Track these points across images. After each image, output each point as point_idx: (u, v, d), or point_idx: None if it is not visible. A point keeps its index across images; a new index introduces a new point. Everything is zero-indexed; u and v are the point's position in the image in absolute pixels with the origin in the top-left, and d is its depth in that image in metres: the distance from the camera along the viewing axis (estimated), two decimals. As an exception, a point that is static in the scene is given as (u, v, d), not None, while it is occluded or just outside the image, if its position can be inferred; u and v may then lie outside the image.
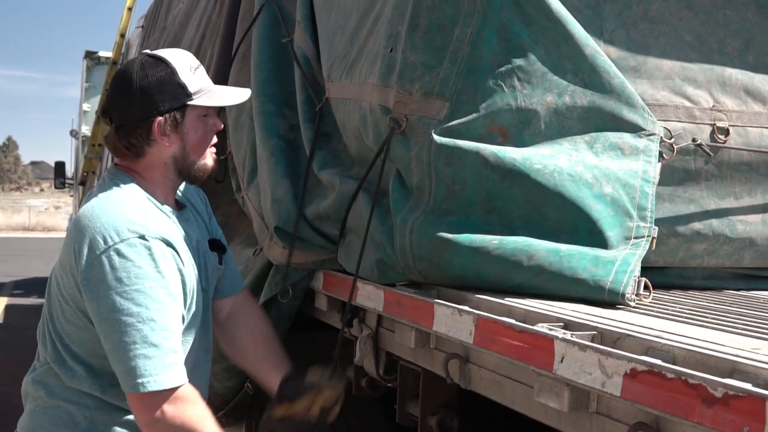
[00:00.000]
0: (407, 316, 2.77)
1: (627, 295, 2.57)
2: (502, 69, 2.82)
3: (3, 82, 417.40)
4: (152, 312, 2.60)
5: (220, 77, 5.18)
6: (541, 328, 2.13)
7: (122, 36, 12.74)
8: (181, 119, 2.79)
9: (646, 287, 2.63)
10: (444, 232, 2.74)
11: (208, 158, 2.89)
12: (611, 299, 2.57)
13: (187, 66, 2.82)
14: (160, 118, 2.75)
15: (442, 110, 2.84)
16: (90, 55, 17.60)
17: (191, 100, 2.80)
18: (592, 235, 2.70)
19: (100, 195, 2.77)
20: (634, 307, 2.54)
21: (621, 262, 2.64)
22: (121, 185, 2.80)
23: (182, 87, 2.79)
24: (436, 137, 2.81)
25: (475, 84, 2.82)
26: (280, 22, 4.39)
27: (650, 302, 2.68)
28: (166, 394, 2.62)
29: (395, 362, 3.25)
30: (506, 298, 2.54)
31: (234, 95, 2.99)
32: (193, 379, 2.72)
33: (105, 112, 2.84)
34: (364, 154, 3.29)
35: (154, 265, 2.63)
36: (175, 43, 6.89)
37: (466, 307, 2.47)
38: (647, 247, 2.75)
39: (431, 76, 2.87)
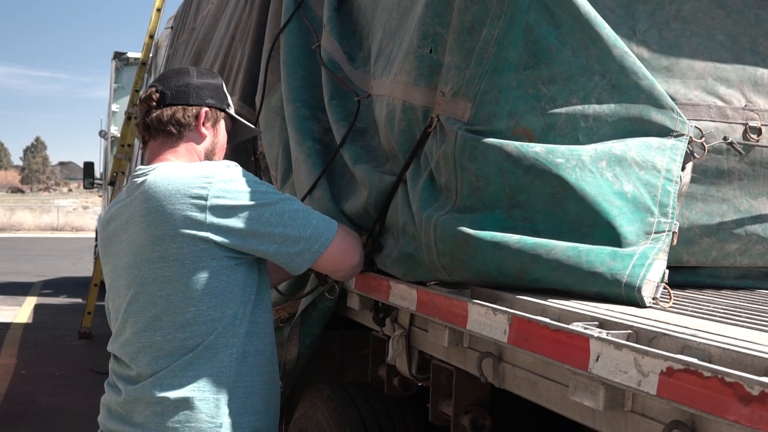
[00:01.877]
0: (441, 316, 2.78)
1: (643, 290, 2.55)
2: (528, 71, 2.82)
3: (30, 83, 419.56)
4: (278, 193, 3.05)
5: (251, 78, 5.21)
6: (577, 326, 2.14)
7: (151, 37, 12.81)
8: (218, 119, 3.32)
9: (666, 292, 2.61)
10: (467, 228, 2.75)
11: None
12: (628, 293, 2.56)
13: (226, 87, 3.37)
14: (207, 109, 3.26)
15: (466, 111, 2.85)
16: (119, 56, 17.68)
17: (230, 108, 3.37)
18: (612, 229, 2.68)
19: (160, 173, 3.02)
20: (670, 307, 2.53)
21: (639, 255, 2.63)
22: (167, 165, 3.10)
23: (225, 96, 3.37)
24: (460, 133, 2.82)
25: (499, 85, 2.82)
26: (309, 29, 4.42)
27: (684, 301, 2.68)
28: (341, 230, 3.15)
29: (428, 361, 3.26)
30: (539, 298, 2.55)
31: (251, 126, 3.61)
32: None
33: (155, 92, 3.24)
34: (391, 150, 3.31)
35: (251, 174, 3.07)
36: (204, 44, 6.92)
37: (500, 306, 2.47)
38: (668, 241, 2.74)
39: (460, 77, 2.89)
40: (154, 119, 3.19)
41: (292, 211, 3.02)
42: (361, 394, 3.81)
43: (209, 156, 3.28)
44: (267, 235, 2.96)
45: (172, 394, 2.92)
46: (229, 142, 3.43)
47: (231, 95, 5.50)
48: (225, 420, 2.95)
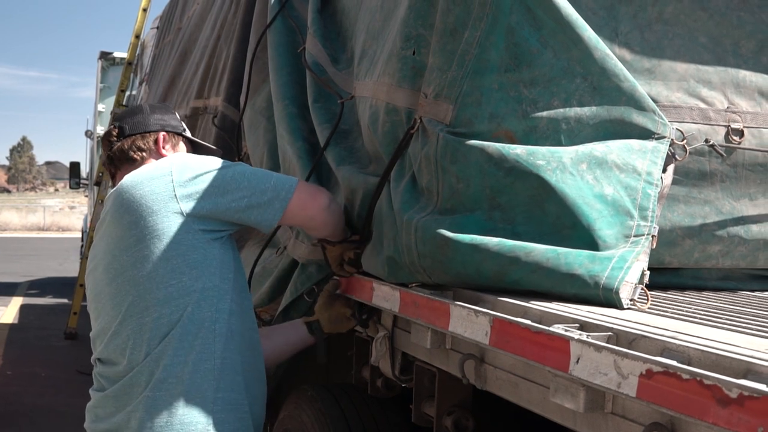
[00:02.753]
0: (423, 317, 2.79)
1: (621, 292, 2.57)
2: (509, 73, 2.82)
3: (18, 83, 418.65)
4: (245, 165, 3.24)
5: (236, 78, 5.21)
6: (557, 329, 2.14)
7: (137, 37, 12.77)
8: (177, 143, 3.57)
9: (643, 294, 2.62)
10: (446, 230, 2.76)
11: None
12: (605, 295, 2.57)
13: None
14: (164, 133, 3.52)
15: (448, 113, 2.86)
16: (105, 56, 17.63)
17: (184, 132, 3.63)
18: (591, 232, 2.69)
19: (127, 177, 3.15)
20: (650, 309, 2.54)
21: (618, 258, 2.65)
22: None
23: (180, 122, 3.65)
24: (442, 135, 2.83)
25: (481, 87, 2.83)
26: (294, 28, 4.42)
27: (666, 303, 2.69)
28: (303, 182, 3.33)
29: (411, 362, 3.26)
30: (521, 300, 2.55)
31: (208, 146, 3.81)
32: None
33: (114, 128, 3.50)
34: (374, 151, 3.32)
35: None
36: (190, 44, 6.91)
37: (482, 308, 2.48)
38: (647, 244, 2.75)
39: (442, 79, 2.89)
40: (117, 151, 3.46)
41: (251, 170, 3.20)
42: (345, 395, 3.81)
43: None
44: (235, 190, 3.08)
45: (165, 374, 2.96)
46: None
47: (216, 96, 5.52)
48: (216, 395, 3.01)
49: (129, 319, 3.01)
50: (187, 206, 3.01)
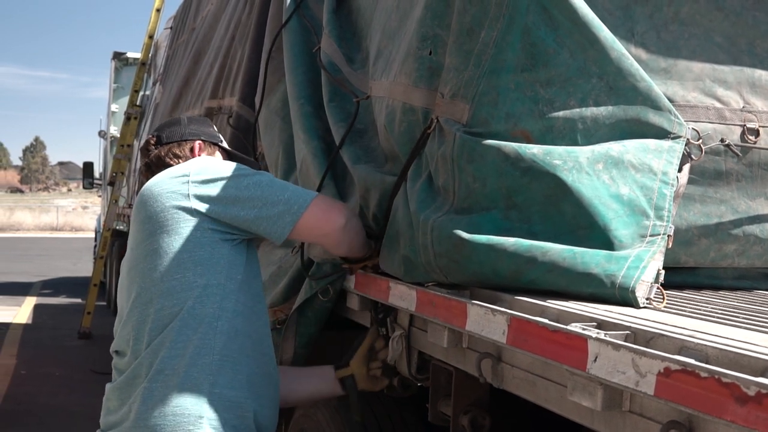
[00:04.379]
0: (440, 316, 2.79)
1: (637, 291, 2.57)
2: (526, 73, 2.82)
3: (29, 83, 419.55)
4: (266, 174, 3.27)
5: (250, 79, 5.23)
6: (575, 327, 2.15)
7: (151, 37, 12.82)
8: (213, 153, 3.63)
9: (659, 293, 2.63)
10: (463, 229, 2.77)
11: None
12: (622, 294, 2.57)
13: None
14: (200, 141, 3.59)
15: (465, 113, 2.86)
16: (118, 56, 17.69)
17: (221, 143, 3.71)
18: (607, 232, 2.70)
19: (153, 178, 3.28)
20: (667, 308, 2.55)
21: (634, 258, 2.65)
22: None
23: (217, 133, 3.74)
24: (459, 134, 2.84)
25: (497, 87, 2.83)
26: (309, 28, 4.43)
27: (682, 302, 2.70)
28: (320, 197, 3.27)
29: (427, 361, 3.27)
30: (538, 299, 2.56)
31: (245, 158, 3.81)
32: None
33: (152, 136, 3.60)
34: (390, 150, 3.33)
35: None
36: (204, 44, 6.93)
37: (499, 307, 2.48)
38: (663, 244, 2.76)
39: (458, 79, 2.90)
40: (154, 158, 3.53)
41: (269, 180, 3.22)
42: (361, 394, 3.82)
43: None
44: (246, 199, 3.12)
45: (162, 365, 3.00)
46: None
47: (230, 96, 5.54)
48: (212, 390, 3.02)
49: (134, 309, 3.09)
50: (199, 205, 3.09)
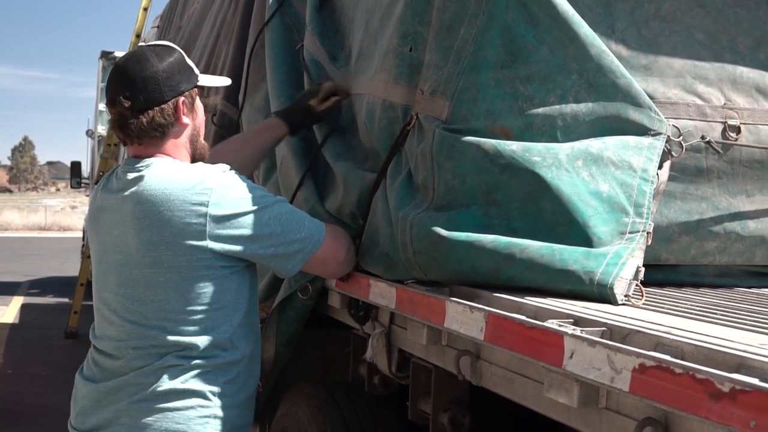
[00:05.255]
0: (419, 314, 2.79)
1: (615, 288, 2.56)
2: (505, 69, 2.82)
3: (19, 83, 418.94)
4: (271, 197, 3.03)
5: (235, 76, 5.21)
6: (551, 324, 2.15)
7: (138, 36, 12.77)
8: (194, 98, 3.14)
9: (638, 290, 2.62)
10: (442, 227, 2.76)
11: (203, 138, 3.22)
12: (600, 291, 2.57)
13: (185, 52, 3.16)
14: (182, 98, 3.05)
15: (444, 109, 2.86)
16: (106, 56, 17.64)
17: (199, 80, 3.15)
18: (586, 229, 2.70)
19: (156, 171, 2.97)
20: (645, 305, 2.54)
21: (613, 255, 2.64)
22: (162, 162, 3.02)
23: (191, 69, 3.15)
24: (438, 131, 2.83)
25: (477, 84, 2.83)
26: (291, 26, 4.42)
27: (661, 299, 2.69)
28: (329, 229, 3.14)
29: (407, 359, 3.26)
30: (516, 296, 2.55)
31: (220, 80, 3.55)
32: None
33: (124, 99, 2.98)
34: (371, 148, 3.33)
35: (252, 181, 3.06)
36: (190, 43, 6.91)
37: (477, 304, 2.48)
38: (642, 241, 2.75)
39: (438, 75, 2.90)
40: (134, 128, 3.02)
41: (288, 213, 3.04)
42: (342, 393, 3.81)
43: (194, 139, 3.14)
44: (266, 237, 2.96)
45: (162, 384, 2.90)
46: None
47: (215, 94, 5.52)
48: (214, 412, 2.95)
49: (134, 333, 2.95)
50: (217, 245, 2.89)
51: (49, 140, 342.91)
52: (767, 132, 3.15)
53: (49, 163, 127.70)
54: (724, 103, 3.11)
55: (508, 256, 2.66)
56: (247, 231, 2.92)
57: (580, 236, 2.69)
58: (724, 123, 3.09)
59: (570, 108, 2.81)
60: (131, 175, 2.99)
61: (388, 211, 3.01)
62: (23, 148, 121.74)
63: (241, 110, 4.86)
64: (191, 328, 2.92)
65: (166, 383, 2.90)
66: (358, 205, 3.32)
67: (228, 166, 3.03)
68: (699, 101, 3.07)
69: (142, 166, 2.99)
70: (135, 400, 2.91)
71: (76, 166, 20.05)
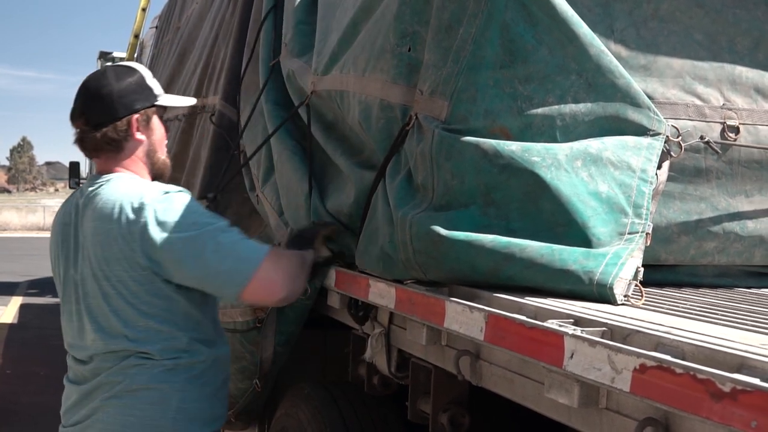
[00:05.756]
0: (419, 314, 2.78)
1: (615, 288, 2.56)
2: (504, 69, 2.82)
3: (17, 83, 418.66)
4: (210, 224, 3.14)
5: (233, 77, 5.22)
6: (551, 324, 2.14)
7: (136, 36, 12.79)
8: (150, 116, 3.33)
9: (638, 290, 2.62)
10: (441, 226, 2.76)
11: (166, 155, 3.44)
12: (599, 291, 2.57)
13: (149, 74, 3.37)
14: (137, 115, 3.27)
15: (443, 110, 2.86)
16: (104, 56, 17.62)
17: (157, 100, 3.35)
18: (585, 230, 2.69)
19: (111, 189, 3.18)
20: (646, 305, 2.54)
21: (612, 255, 2.64)
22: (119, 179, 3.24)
23: (150, 89, 3.35)
24: (437, 131, 2.83)
25: (476, 84, 2.82)
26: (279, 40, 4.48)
27: (661, 299, 2.69)
28: (268, 262, 3.18)
29: (407, 359, 3.26)
30: (516, 296, 2.55)
31: (183, 99, 3.81)
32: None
33: (81, 115, 3.27)
34: (366, 145, 3.32)
35: (189, 199, 3.18)
36: (189, 44, 6.92)
37: (477, 304, 2.48)
38: (641, 241, 2.75)
39: (437, 75, 2.89)
40: (89, 144, 3.29)
41: (215, 245, 3.12)
42: (342, 393, 3.81)
43: (151, 155, 3.36)
44: (191, 264, 3.11)
45: (128, 382, 3.13)
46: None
47: (214, 95, 5.53)
48: (180, 405, 3.16)
49: (99, 341, 3.17)
50: (150, 265, 3.08)
51: (47, 140, 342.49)
52: (766, 132, 3.16)
53: (48, 164, 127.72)
54: (723, 104, 3.11)
55: (508, 255, 2.66)
56: (173, 258, 3.09)
57: (579, 237, 2.69)
58: (723, 123, 3.09)
59: (569, 108, 2.81)
60: (91, 191, 3.22)
61: (388, 211, 3.01)
62: (22, 149, 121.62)
63: (240, 110, 4.86)
64: (147, 336, 3.13)
65: (131, 381, 3.12)
66: (356, 204, 3.32)
67: (175, 188, 3.19)
68: (698, 101, 3.07)
69: (101, 182, 3.22)
70: (106, 397, 3.15)
71: (74, 167, 19.97)
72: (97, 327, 3.16)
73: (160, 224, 3.06)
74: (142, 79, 3.33)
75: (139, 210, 3.07)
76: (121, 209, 3.09)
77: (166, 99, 3.41)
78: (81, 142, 3.31)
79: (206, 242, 3.10)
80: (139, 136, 3.28)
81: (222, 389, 3.37)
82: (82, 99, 3.29)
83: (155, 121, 3.37)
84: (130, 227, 3.06)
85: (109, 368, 3.15)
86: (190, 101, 3.90)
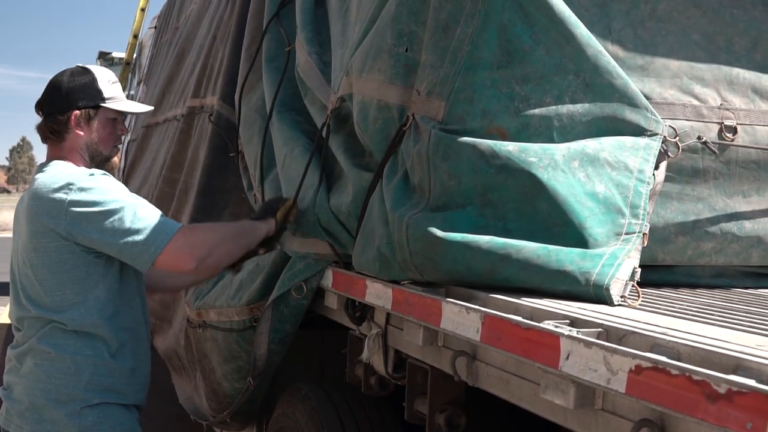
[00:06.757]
0: (415, 314, 2.78)
1: (611, 288, 2.56)
2: (501, 69, 2.81)
3: (16, 83, 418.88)
4: (129, 200, 3.41)
5: (231, 78, 5.22)
6: (548, 325, 2.14)
7: (135, 37, 12.77)
8: (94, 116, 3.63)
9: (634, 291, 2.62)
10: (438, 227, 2.75)
11: (113, 153, 3.73)
12: (596, 292, 2.57)
13: (106, 78, 3.69)
14: (77, 111, 3.60)
15: (440, 110, 2.85)
16: (104, 56, 17.57)
17: (104, 103, 3.65)
18: (582, 230, 2.69)
19: (47, 173, 3.51)
20: (642, 305, 2.54)
21: (609, 256, 2.64)
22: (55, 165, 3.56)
23: (99, 92, 3.65)
24: (434, 132, 2.82)
25: (473, 84, 2.82)
26: (284, 37, 4.46)
27: (658, 300, 2.69)
28: (180, 235, 3.43)
29: (404, 360, 3.26)
30: (512, 297, 2.55)
31: (138, 106, 4.01)
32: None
33: (40, 104, 3.66)
34: (368, 146, 3.32)
35: (113, 181, 3.50)
36: (187, 44, 6.92)
37: (473, 305, 2.47)
38: (638, 242, 2.75)
39: (434, 76, 2.89)
40: (40, 131, 3.68)
41: (133, 218, 3.38)
42: (339, 393, 3.81)
43: (93, 150, 3.65)
44: (109, 237, 3.37)
45: (48, 347, 3.43)
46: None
47: (212, 95, 5.52)
48: (89, 378, 3.45)
49: (24, 308, 3.50)
50: (71, 236, 3.37)
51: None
52: (763, 132, 3.15)
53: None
54: (721, 104, 3.11)
55: (504, 256, 2.66)
56: (93, 229, 3.36)
57: (576, 237, 2.68)
58: (721, 123, 3.09)
59: (566, 108, 2.80)
60: (36, 175, 3.59)
61: (384, 212, 3.00)
62: (21, 149, 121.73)
63: (239, 110, 4.86)
64: (65, 304, 3.43)
65: (51, 346, 3.43)
66: (354, 204, 3.32)
67: (100, 171, 3.52)
68: (695, 102, 3.07)
69: (44, 167, 3.58)
70: (33, 362, 3.47)
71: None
72: (25, 295, 3.49)
73: (84, 200, 3.36)
74: (93, 81, 3.66)
75: (64, 187, 3.37)
76: (50, 187, 3.40)
77: (118, 104, 3.71)
78: (37, 128, 3.70)
79: (125, 216, 3.36)
80: (77, 131, 3.60)
81: (140, 373, 3.62)
82: (45, 90, 3.69)
83: (101, 119, 3.65)
84: (55, 203, 3.36)
85: (33, 335, 3.46)
86: (147, 108, 4.27)
